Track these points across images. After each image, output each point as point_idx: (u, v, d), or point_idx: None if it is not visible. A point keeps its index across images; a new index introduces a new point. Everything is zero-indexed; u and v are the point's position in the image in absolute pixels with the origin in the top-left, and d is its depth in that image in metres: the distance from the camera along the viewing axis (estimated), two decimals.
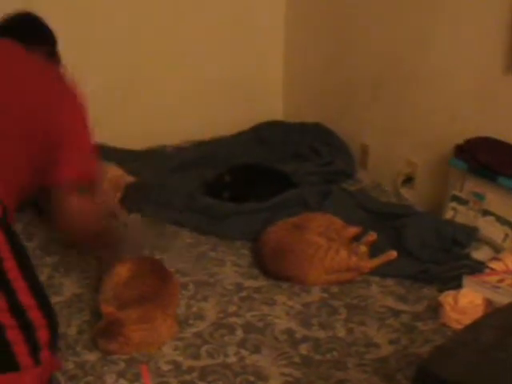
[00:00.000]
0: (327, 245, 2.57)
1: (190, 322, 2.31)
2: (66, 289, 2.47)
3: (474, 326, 1.66)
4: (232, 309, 2.39)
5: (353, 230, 2.72)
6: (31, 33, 2.20)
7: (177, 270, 2.59)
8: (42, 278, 2.48)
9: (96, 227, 2.02)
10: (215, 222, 2.92)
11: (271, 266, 2.59)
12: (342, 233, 2.69)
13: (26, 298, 1.66)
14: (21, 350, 1.64)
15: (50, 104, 1.90)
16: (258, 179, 3.17)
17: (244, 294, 2.48)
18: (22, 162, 1.87)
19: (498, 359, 1.49)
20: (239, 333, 2.26)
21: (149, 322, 2.17)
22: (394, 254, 2.66)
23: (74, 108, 1.98)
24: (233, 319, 2.33)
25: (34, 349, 1.65)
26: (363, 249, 2.65)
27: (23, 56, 2.00)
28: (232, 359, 2.14)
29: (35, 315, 1.67)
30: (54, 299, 2.37)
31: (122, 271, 2.33)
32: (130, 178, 3.10)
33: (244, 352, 2.17)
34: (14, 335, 1.63)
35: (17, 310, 1.64)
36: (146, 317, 2.17)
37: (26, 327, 1.65)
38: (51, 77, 2.02)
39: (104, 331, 2.14)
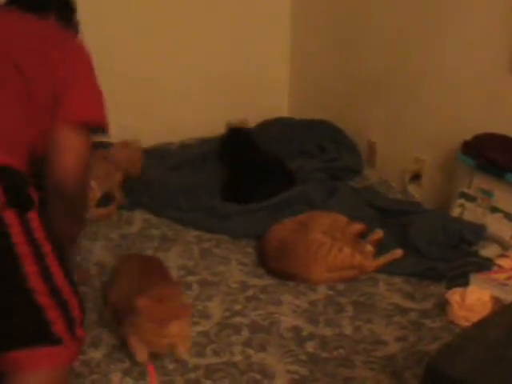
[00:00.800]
0: (330, 243, 2.57)
1: (195, 320, 2.31)
2: None
3: (482, 324, 1.66)
4: (237, 308, 2.40)
5: (357, 227, 2.72)
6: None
7: (181, 267, 2.62)
8: None
9: (85, 178, 1.98)
10: (219, 221, 2.92)
11: (274, 264, 2.60)
12: (347, 230, 2.69)
13: (61, 280, 1.72)
14: (60, 328, 1.70)
15: (54, 54, 1.90)
16: (262, 176, 3.17)
17: (250, 292, 2.49)
18: (26, 120, 1.86)
19: (506, 356, 1.49)
20: (245, 332, 2.27)
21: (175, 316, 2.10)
22: (399, 252, 2.66)
23: (82, 57, 1.98)
24: (238, 318, 2.34)
25: (70, 326, 1.72)
26: (369, 248, 2.65)
27: (29, 17, 1.99)
28: (238, 357, 2.15)
29: (69, 295, 1.74)
30: None
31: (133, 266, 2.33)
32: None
33: (250, 351, 2.18)
34: (53, 315, 1.70)
35: (55, 292, 1.70)
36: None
37: (63, 307, 1.72)
38: (57, 31, 2.00)
39: (152, 328, 2.05)
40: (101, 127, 2.00)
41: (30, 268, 1.66)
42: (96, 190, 2.99)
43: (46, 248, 1.70)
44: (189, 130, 3.64)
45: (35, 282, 1.67)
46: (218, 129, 3.67)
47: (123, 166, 3.14)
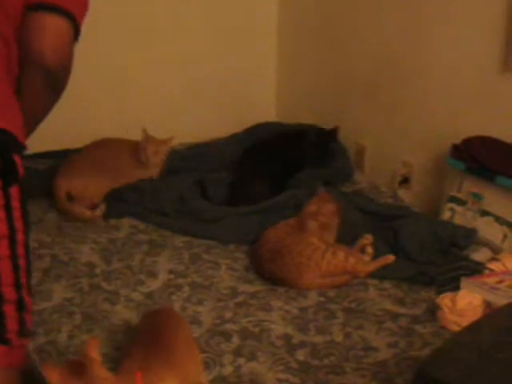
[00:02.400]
0: (324, 247, 2.58)
1: None
2: (55, 294, 2.48)
3: (473, 328, 1.67)
4: (228, 314, 2.40)
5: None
6: None
7: (170, 271, 2.64)
8: (32, 283, 2.49)
9: (66, 53, 1.78)
10: (207, 226, 2.94)
11: (267, 266, 2.60)
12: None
13: (24, 277, 1.64)
14: (13, 327, 1.62)
15: None
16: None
17: (240, 298, 2.49)
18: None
19: (497, 360, 1.50)
20: (235, 339, 2.27)
21: None
22: (391, 257, 2.67)
23: None
24: (229, 325, 2.34)
25: (21, 330, 1.63)
26: (370, 250, 2.68)
27: None
28: (228, 369, 2.13)
29: (27, 295, 1.66)
30: (43, 305, 2.40)
31: None
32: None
33: (240, 360, 2.17)
34: (10, 311, 1.61)
35: (18, 287, 1.63)
36: None
37: (21, 306, 1.64)
38: None
39: None
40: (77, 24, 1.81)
41: (3, 252, 1.58)
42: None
43: (20, 236, 1.62)
44: (176, 136, 3.65)
45: (4, 267, 1.59)
46: (206, 134, 3.68)
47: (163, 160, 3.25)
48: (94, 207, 3.02)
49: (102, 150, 3.20)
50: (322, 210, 2.68)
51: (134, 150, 3.24)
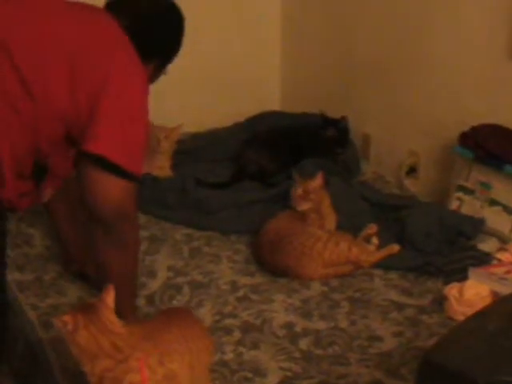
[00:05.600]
0: (327, 237, 2.59)
1: None
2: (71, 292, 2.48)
3: (479, 315, 1.67)
4: (228, 309, 2.40)
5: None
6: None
7: (170, 268, 2.63)
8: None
9: (120, 214, 1.83)
10: (208, 216, 2.94)
11: (268, 257, 2.61)
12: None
13: None
14: None
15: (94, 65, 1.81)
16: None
17: (241, 292, 2.49)
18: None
19: (504, 347, 1.51)
20: (236, 333, 2.27)
21: None
22: (396, 247, 2.68)
23: (125, 80, 1.87)
24: (229, 320, 2.34)
25: None
26: (375, 240, 2.69)
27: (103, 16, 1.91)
28: (229, 356, 2.15)
29: None
30: (60, 300, 2.42)
31: None
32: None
33: (242, 348, 2.19)
34: None
35: None
36: None
37: None
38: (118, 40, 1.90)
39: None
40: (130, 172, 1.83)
41: None
42: None
43: None
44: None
45: None
46: (208, 123, 3.68)
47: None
48: None
49: None
50: (309, 189, 2.68)
51: None
